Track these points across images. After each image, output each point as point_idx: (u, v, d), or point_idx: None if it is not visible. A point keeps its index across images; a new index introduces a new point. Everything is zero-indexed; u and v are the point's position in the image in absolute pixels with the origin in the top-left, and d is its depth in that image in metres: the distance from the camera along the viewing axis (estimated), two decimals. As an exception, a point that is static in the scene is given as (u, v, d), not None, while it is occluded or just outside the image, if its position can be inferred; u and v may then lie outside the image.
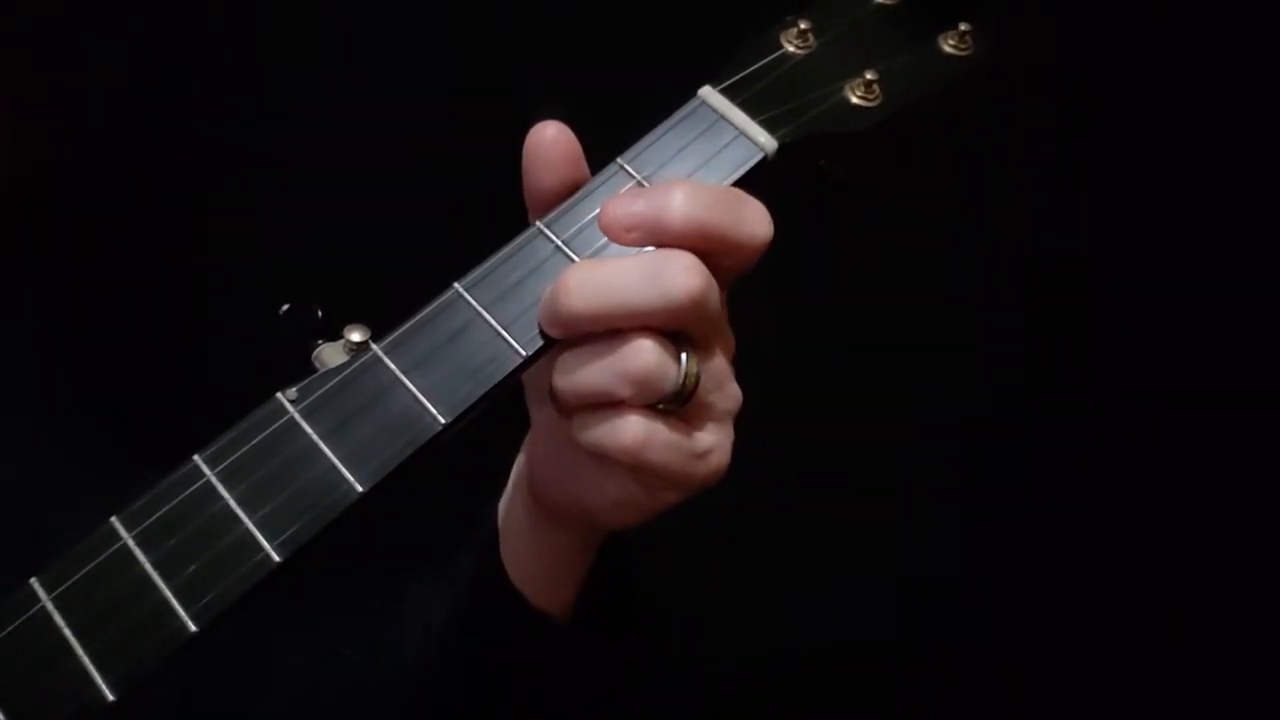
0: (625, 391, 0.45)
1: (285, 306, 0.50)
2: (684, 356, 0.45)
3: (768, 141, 0.52)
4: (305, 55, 0.90)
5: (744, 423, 0.49)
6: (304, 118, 0.90)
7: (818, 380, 1.10)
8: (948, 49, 0.56)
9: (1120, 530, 1.13)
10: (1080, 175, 1.06)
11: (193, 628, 0.43)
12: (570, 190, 0.50)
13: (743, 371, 0.49)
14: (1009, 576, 1.14)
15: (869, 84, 0.54)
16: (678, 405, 0.46)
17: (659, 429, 0.45)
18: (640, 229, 0.46)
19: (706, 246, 0.46)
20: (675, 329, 0.45)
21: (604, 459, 0.46)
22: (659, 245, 0.46)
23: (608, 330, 0.45)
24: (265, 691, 0.65)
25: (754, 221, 0.47)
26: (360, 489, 0.45)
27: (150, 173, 0.84)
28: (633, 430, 0.45)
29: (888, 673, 1.15)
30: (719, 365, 0.47)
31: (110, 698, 0.42)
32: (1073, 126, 1.04)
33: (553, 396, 0.48)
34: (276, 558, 0.44)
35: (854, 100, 0.54)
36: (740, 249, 0.46)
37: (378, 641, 0.63)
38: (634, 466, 0.46)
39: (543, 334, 0.48)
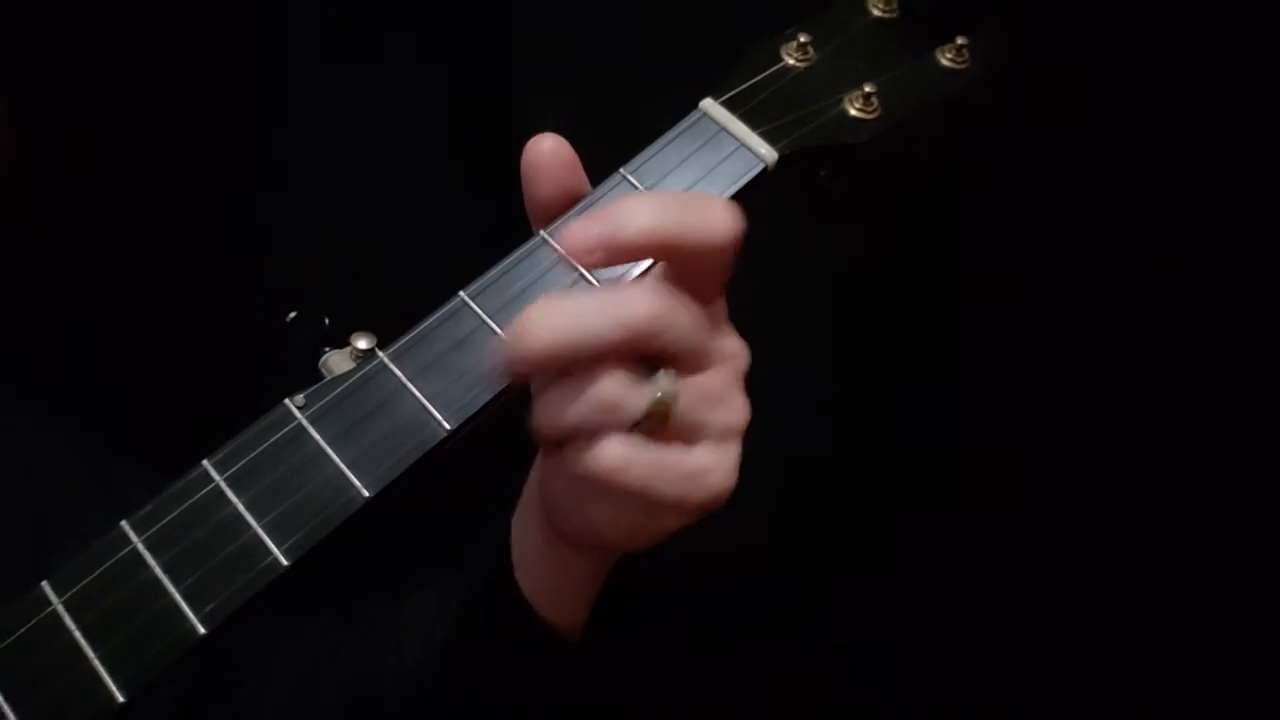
0: (596, 420, 0.45)
1: (292, 314, 0.50)
2: (658, 377, 0.45)
3: (768, 153, 0.53)
4: (310, 60, 0.90)
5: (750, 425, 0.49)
6: (310, 124, 0.90)
7: (818, 381, 1.10)
8: (945, 62, 0.57)
9: (1121, 530, 1.13)
10: (1081, 180, 1.07)
11: (202, 630, 0.44)
12: (569, 199, 0.50)
13: (751, 375, 0.49)
14: (1009, 577, 1.15)
15: (868, 97, 0.55)
16: (657, 427, 0.45)
17: (642, 452, 0.45)
18: (600, 248, 0.45)
19: (672, 254, 0.46)
20: (647, 353, 0.45)
21: (597, 484, 0.46)
22: (623, 261, 0.46)
23: (576, 363, 0.45)
24: (267, 693, 0.66)
25: (716, 218, 0.46)
26: (367, 494, 0.46)
27: (156, 177, 0.85)
28: (610, 454, 0.45)
29: (888, 673, 1.15)
30: (708, 382, 0.46)
31: (120, 699, 0.43)
32: (1073, 131, 1.04)
33: (536, 434, 0.47)
34: (285, 562, 0.45)
35: (853, 112, 0.55)
36: (707, 247, 0.46)
37: (380, 645, 0.63)
38: (620, 491, 0.45)
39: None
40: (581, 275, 0.49)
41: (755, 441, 0.49)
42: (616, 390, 0.44)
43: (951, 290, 1.10)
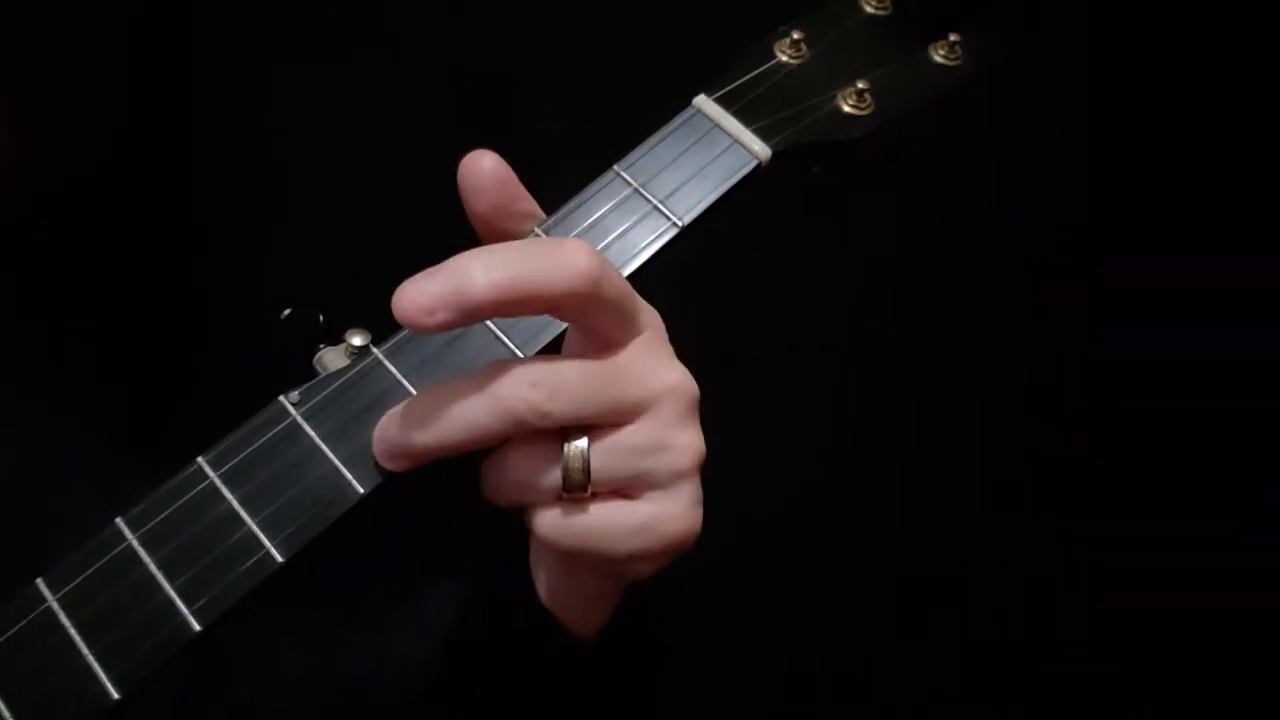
0: (517, 498, 0.45)
1: (287, 311, 0.50)
2: (567, 446, 0.44)
3: (761, 149, 0.53)
4: (307, 57, 0.91)
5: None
6: (309, 122, 0.90)
7: (819, 380, 1.10)
8: (938, 59, 0.57)
9: (1122, 531, 1.13)
10: (1081, 176, 1.07)
11: (196, 627, 0.44)
12: (502, 216, 0.50)
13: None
14: (1009, 578, 1.15)
15: (861, 93, 0.55)
16: (580, 493, 0.45)
17: (574, 519, 0.45)
18: (443, 308, 0.42)
19: (525, 306, 0.43)
20: (541, 429, 0.44)
21: (546, 547, 0.46)
22: (471, 320, 0.43)
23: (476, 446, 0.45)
24: (264, 693, 0.65)
25: (565, 261, 0.43)
26: (362, 490, 0.46)
27: (156, 177, 0.85)
28: (543, 525, 0.45)
29: (887, 673, 1.15)
30: (637, 433, 0.45)
31: (115, 696, 0.43)
32: (1073, 127, 1.04)
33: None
34: (279, 558, 0.45)
35: (846, 109, 0.55)
36: (562, 293, 0.43)
37: (380, 644, 0.63)
38: (566, 554, 0.46)
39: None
40: None
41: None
42: (523, 471, 0.45)
43: (954, 288, 1.10)
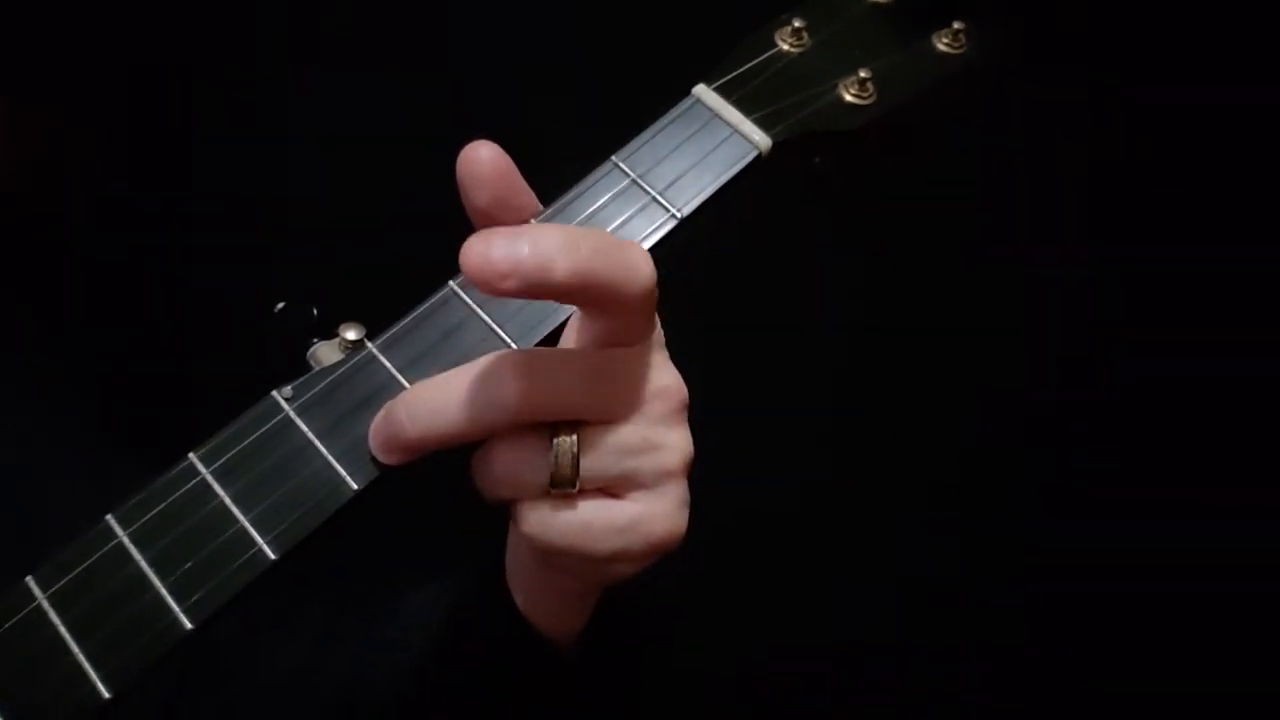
0: (503, 493, 0.45)
1: (280, 305, 0.50)
2: (556, 442, 0.44)
3: (762, 139, 0.52)
4: (304, 55, 0.91)
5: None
6: (303, 116, 0.90)
7: (819, 381, 1.10)
8: (941, 47, 0.56)
9: (1124, 531, 1.12)
10: (1085, 176, 1.06)
11: (188, 625, 0.43)
12: (502, 208, 0.49)
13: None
14: (1009, 579, 1.14)
15: (863, 82, 0.54)
16: (567, 489, 0.44)
17: (558, 515, 0.44)
18: (518, 276, 0.40)
19: (587, 297, 0.43)
20: (534, 422, 0.44)
21: (527, 543, 0.46)
22: (538, 297, 0.43)
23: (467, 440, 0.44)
24: (257, 691, 0.65)
25: (636, 265, 0.43)
26: (356, 486, 0.46)
27: (148, 171, 0.85)
28: (527, 520, 0.45)
29: (888, 673, 1.15)
30: (628, 433, 0.45)
31: (106, 695, 0.42)
32: (1079, 124, 1.04)
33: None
34: (271, 555, 0.44)
35: (848, 98, 0.54)
36: (624, 294, 0.43)
37: (375, 642, 0.62)
38: (547, 551, 0.45)
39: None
40: None
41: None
42: (511, 465, 0.44)
43: (956, 290, 1.09)
